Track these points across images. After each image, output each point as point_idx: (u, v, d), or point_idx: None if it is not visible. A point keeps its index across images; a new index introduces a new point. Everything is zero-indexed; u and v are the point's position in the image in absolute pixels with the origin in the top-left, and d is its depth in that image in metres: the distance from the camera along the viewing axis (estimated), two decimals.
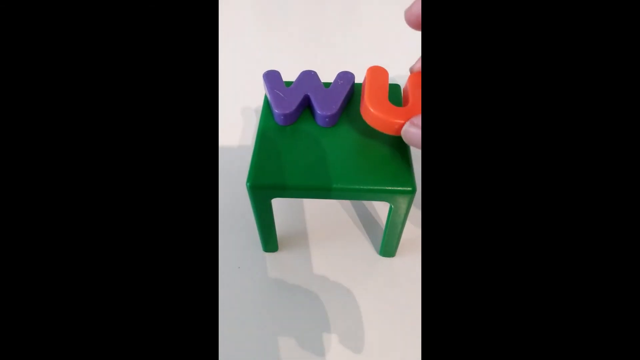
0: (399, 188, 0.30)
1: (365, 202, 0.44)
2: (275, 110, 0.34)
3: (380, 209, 0.43)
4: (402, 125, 0.30)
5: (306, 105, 0.36)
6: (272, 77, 0.36)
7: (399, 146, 0.33)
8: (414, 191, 0.30)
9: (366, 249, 0.40)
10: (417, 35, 0.69)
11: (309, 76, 0.36)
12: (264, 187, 0.31)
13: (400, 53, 0.67)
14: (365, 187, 0.30)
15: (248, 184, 0.30)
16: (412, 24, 0.31)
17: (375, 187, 0.30)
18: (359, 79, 0.37)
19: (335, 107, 0.34)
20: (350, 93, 0.36)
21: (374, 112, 0.31)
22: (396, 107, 0.31)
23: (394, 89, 0.37)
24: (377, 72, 0.33)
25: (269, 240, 0.38)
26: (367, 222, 0.42)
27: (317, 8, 0.77)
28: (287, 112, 0.33)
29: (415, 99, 0.31)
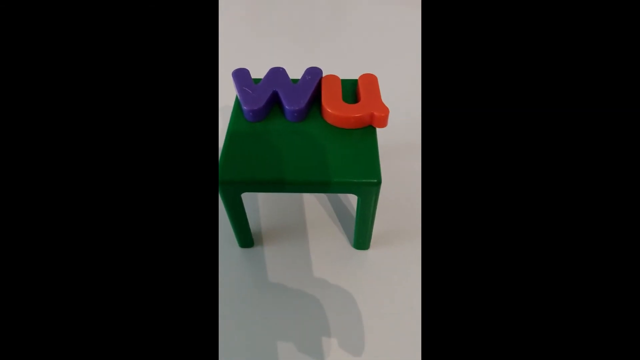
0: (364, 180, 0.30)
1: (340, 196, 0.45)
2: (244, 107, 0.34)
3: (355, 202, 0.44)
4: (358, 118, 0.33)
5: (275, 102, 0.36)
6: (240, 75, 0.36)
7: (366, 140, 0.33)
8: (379, 183, 0.30)
9: (341, 243, 0.41)
10: (392, 35, 0.70)
11: (277, 73, 0.36)
12: (233, 183, 0.31)
13: (376, 51, 0.68)
14: (331, 180, 0.30)
15: (218, 179, 0.31)
16: None
17: (342, 180, 0.30)
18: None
19: (302, 102, 0.34)
20: (318, 88, 0.36)
21: (331, 111, 0.34)
22: (349, 104, 0.34)
23: (353, 84, 0.38)
24: (330, 80, 0.37)
25: (244, 236, 0.39)
26: (341, 216, 0.43)
27: (302, 5, 0.77)
28: (255, 108, 0.34)
29: (365, 96, 0.35)
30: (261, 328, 0.35)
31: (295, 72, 0.38)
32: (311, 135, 0.34)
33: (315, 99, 0.36)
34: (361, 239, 0.38)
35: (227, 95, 0.57)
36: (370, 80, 0.36)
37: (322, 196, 0.45)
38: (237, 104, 0.36)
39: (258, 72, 0.39)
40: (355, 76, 0.39)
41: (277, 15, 0.77)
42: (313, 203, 0.44)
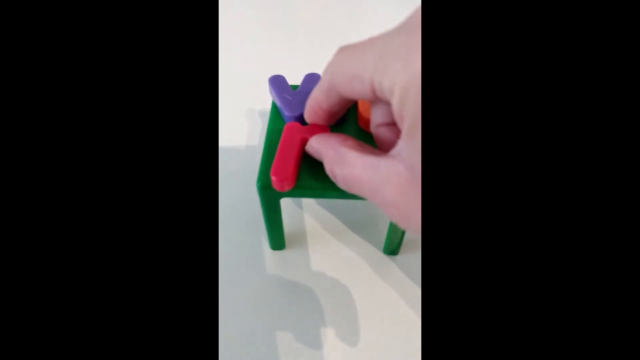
0: None
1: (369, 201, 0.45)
2: (286, 113, 0.35)
3: None
4: None
5: None
6: (278, 82, 0.37)
7: None
8: None
9: (371, 247, 0.41)
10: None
11: (313, 79, 0.37)
12: (272, 188, 0.32)
13: None
14: None
15: (258, 184, 0.31)
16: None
17: None
18: None
19: None
20: None
21: (368, 117, 0.34)
22: None
23: None
24: None
25: (277, 239, 0.39)
26: (372, 221, 0.44)
27: (319, 11, 0.78)
28: (297, 114, 0.35)
29: None
30: (288, 329, 0.35)
31: (292, 75, 0.39)
32: None
33: (350, 106, 0.37)
34: (392, 244, 0.39)
35: (258, 100, 0.58)
36: None
37: (350, 201, 0.45)
38: (274, 110, 0.37)
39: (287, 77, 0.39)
40: None
41: (292, 19, 0.77)
42: (342, 207, 0.45)
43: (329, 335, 0.35)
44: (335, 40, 0.71)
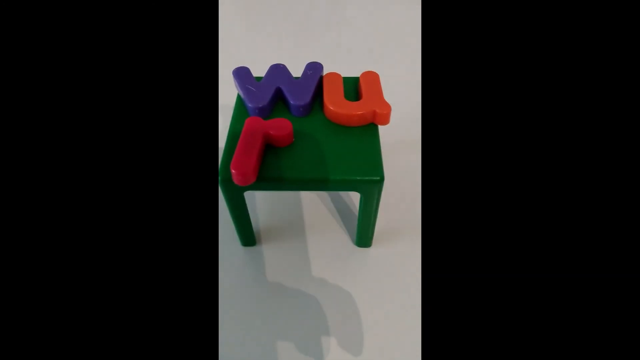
0: (367, 178, 0.30)
1: (342, 193, 0.45)
2: (249, 105, 0.34)
3: (357, 200, 0.44)
4: (360, 116, 0.33)
5: (279, 98, 0.36)
6: (242, 74, 0.36)
7: (369, 137, 0.33)
8: (382, 180, 0.30)
9: (343, 240, 0.41)
10: (392, 33, 0.70)
11: (278, 69, 0.36)
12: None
13: (374, 48, 0.68)
14: (335, 178, 0.30)
15: (219, 177, 0.31)
16: None
17: (345, 178, 0.30)
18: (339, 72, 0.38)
19: (307, 96, 0.34)
20: (319, 85, 0.36)
21: (333, 108, 0.34)
22: (351, 102, 0.34)
23: (355, 81, 0.38)
24: (331, 77, 0.37)
25: (246, 235, 0.38)
26: (343, 213, 0.43)
27: (300, 7, 0.77)
28: (261, 105, 0.34)
29: (367, 94, 0.35)
30: (263, 327, 0.35)
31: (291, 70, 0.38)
32: (313, 132, 0.34)
33: (317, 96, 0.36)
34: (363, 236, 0.38)
35: (224, 93, 0.57)
36: (372, 77, 0.36)
37: (323, 194, 0.45)
38: (239, 102, 0.36)
39: (253, 69, 0.39)
40: (353, 73, 0.39)
41: (270, 11, 0.76)
42: (314, 201, 0.44)
43: (302, 329, 0.34)
44: (302, 32, 0.70)
